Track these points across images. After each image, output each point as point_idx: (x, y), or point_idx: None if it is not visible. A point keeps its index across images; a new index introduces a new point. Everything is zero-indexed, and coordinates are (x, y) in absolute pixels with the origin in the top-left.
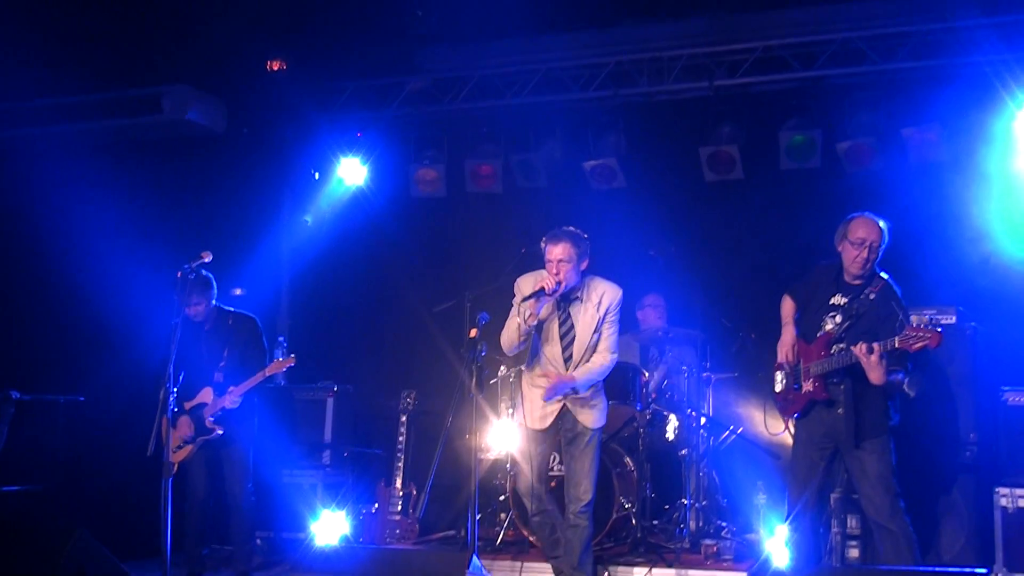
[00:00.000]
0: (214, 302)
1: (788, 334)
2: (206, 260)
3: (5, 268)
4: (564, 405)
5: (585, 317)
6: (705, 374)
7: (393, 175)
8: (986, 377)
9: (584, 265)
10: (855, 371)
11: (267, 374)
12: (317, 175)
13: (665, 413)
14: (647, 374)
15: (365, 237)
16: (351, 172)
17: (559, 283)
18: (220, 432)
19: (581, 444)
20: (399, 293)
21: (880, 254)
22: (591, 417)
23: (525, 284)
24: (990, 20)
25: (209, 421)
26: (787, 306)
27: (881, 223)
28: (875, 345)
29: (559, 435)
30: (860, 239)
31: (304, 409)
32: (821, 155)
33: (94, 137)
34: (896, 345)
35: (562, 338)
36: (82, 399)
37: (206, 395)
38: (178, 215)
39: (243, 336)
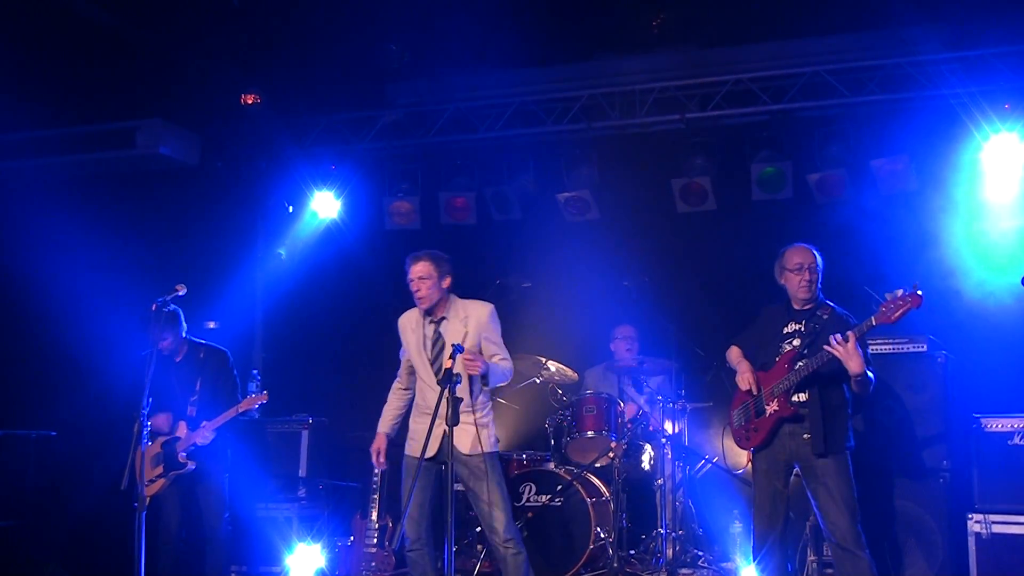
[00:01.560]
0: (184, 335)
1: (744, 367)
2: (180, 293)
3: None
4: (446, 432)
5: (454, 336)
6: (680, 404)
7: (367, 208)
8: (958, 404)
9: (447, 283)
10: (820, 380)
11: (240, 410)
12: (291, 208)
13: (640, 443)
14: (622, 404)
15: (339, 270)
16: (325, 205)
17: (420, 299)
18: (192, 466)
19: (473, 470)
20: (373, 325)
21: (820, 275)
22: (471, 442)
23: (407, 321)
24: (954, 55)
25: (181, 456)
26: (735, 352)
27: (811, 248)
28: (849, 332)
29: (451, 466)
30: (797, 264)
31: (279, 442)
32: (792, 186)
33: (67, 171)
34: (874, 322)
35: (432, 362)
36: (54, 434)
37: (179, 429)
38: (152, 249)
39: (214, 369)
